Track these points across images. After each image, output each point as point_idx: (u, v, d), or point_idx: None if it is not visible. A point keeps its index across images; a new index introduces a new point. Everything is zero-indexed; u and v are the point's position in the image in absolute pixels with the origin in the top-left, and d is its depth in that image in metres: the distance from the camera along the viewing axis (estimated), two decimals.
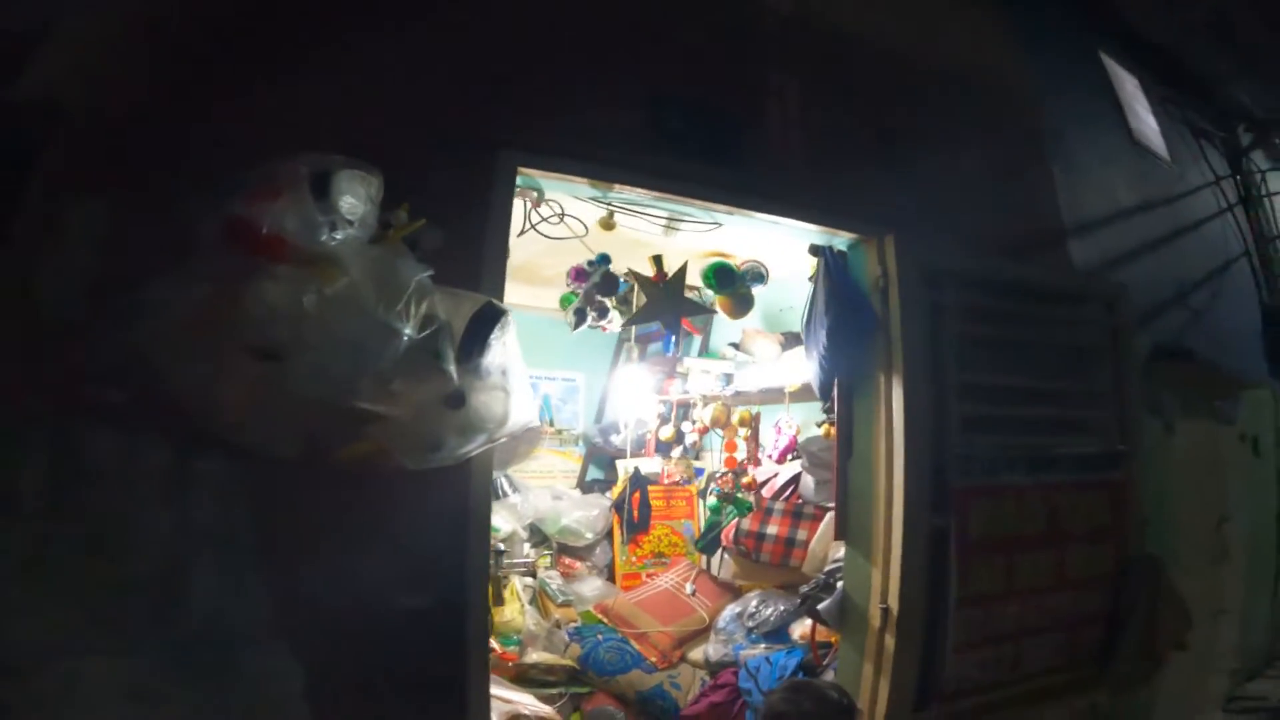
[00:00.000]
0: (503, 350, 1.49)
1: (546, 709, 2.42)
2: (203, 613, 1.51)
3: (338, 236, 1.32)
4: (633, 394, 3.67)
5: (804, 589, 2.70)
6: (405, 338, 1.30)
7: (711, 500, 3.22)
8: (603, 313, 2.73)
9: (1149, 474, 3.03)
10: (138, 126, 1.54)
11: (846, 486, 2.50)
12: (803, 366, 2.84)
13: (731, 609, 3.23)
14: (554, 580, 3.38)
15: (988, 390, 2.55)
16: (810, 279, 2.63)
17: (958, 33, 3.12)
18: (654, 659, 3.21)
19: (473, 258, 1.79)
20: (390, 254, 1.42)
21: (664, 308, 2.56)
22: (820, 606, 2.51)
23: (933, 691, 2.41)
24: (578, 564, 3.53)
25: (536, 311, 3.61)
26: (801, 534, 3.04)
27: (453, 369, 1.35)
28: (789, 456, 2.98)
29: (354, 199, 1.35)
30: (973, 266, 2.68)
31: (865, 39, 2.69)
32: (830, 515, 2.93)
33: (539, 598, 3.36)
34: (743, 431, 3.11)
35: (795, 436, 2.95)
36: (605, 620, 3.31)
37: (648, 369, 3.67)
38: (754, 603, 3.15)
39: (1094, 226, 3.47)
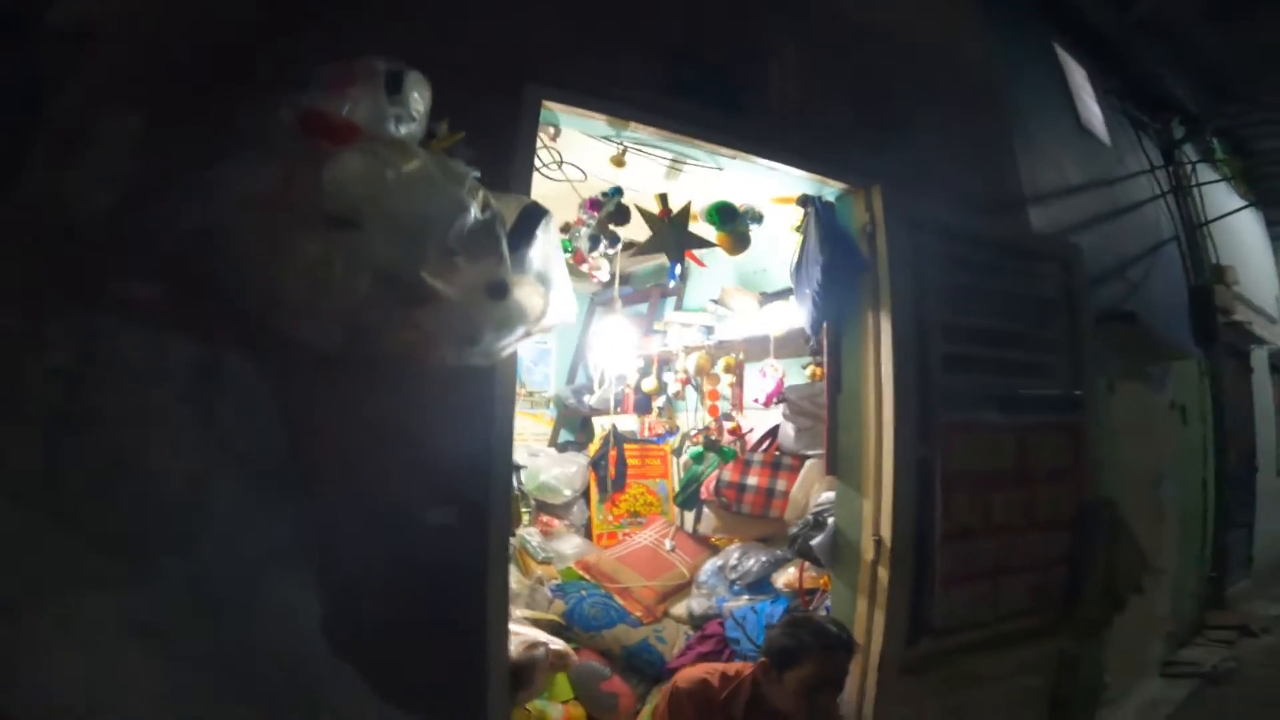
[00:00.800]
0: (544, 248, 1.49)
1: (561, 642, 2.41)
2: (221, 534, 1.43)
3: (404, 130, 1.33)
4: (612, 346, 3.67)
5: (793, 529, 2.75)
6: (472, 216, 1.30)
7: (694, 448, 3.24)
8: (614, 241, 2.76)
9: (1096, 426, 3.21)
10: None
11: (836, 422, 2.56)
12: (788, 315, 2.91)
13: (713, 563, 3.26)
14: (534, 537, 3.34)
15: (966, 331, 2.67)
16: (797, 228, 2.70)
17: (935, 13, 3.31)
18: (638, 614, 3.21)
19: (499, 182, 1.80)
20: (442, 155, 1.44)
21: (668, 240, 2.61)
22: (813, 543, 2.56)
23: (924, 626, 2.48)
24: (556, 522, 3.50)
25: None
26: (781, 484, 3.08)
27: (506, 253, 1.34)
28: (775, 400, 3.02)
29: (420, 98, 1.37)
30: (950, 219, 2.79)
31: (857, 16, 2.88)
32: (810, 463, 3.00)
33: (519, 555, 3.32)
34: (727, 378, 3.15)
35: (781, 379, 3.00)
36: (587, 577, 3.29)
37: (628, 321, 3.67)
38: (735, 556, 3.19)
39: (1047, 197, 3.67)
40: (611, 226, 2.68)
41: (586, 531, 3.63)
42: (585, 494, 3.67)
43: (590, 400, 3.91)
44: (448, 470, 1.63)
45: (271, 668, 1.44)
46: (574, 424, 4.10)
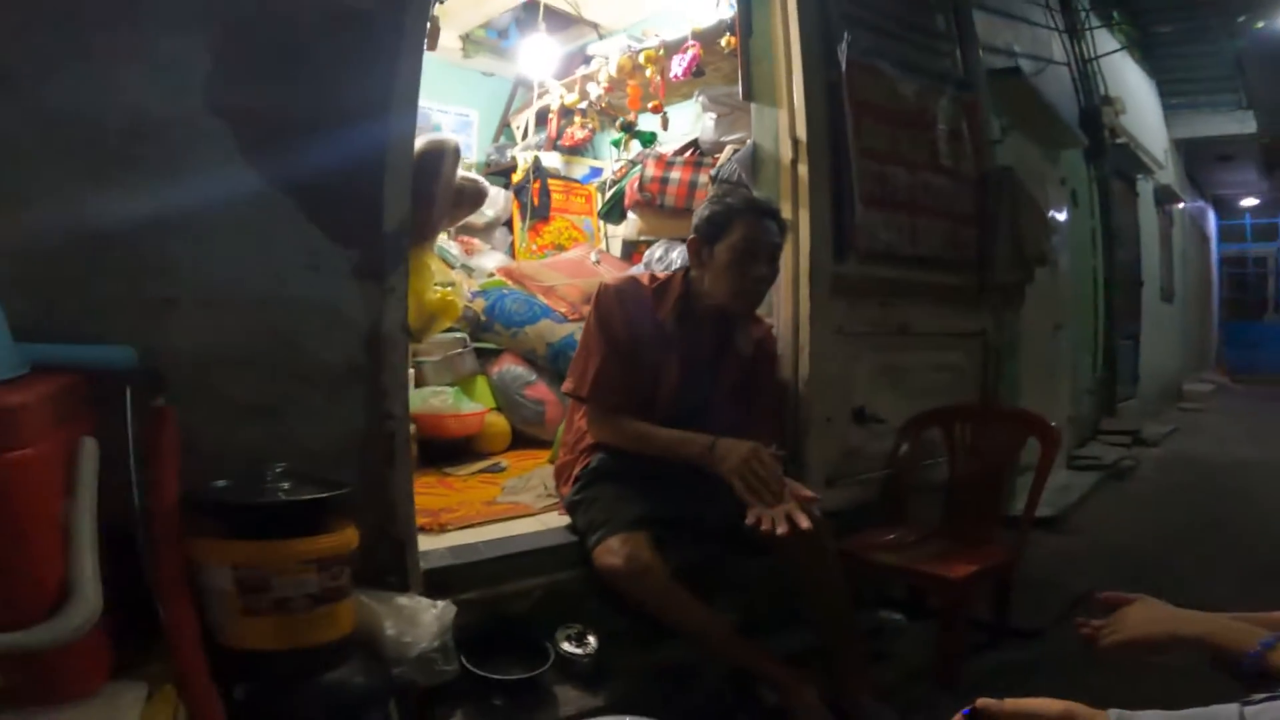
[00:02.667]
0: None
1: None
2: None
3: None
4: (539, 65, 3.59)
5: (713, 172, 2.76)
6: None
7: (615, 136, 3.20)
8: None
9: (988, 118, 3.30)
10: None
11: (749, 56, 2.57)
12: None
13: (639, 263, 3.24)
14: (453, 248, 3.24)
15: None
16: None
17: None
18: (564, 310, 3.16)
19: None
20: None
21: None
22: (735, 156, 2.57)
23: (849, 242, 2.53)
24: (476, 241, 3.40)
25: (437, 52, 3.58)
26: (702, 177, 3.09)
27: None
28: (692, 72, 3.00)
29: None
30: None
31: None
32: (729, 148, 3.00)
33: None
34: (649, 70, 3.12)
35: (697, 54, 2.98)
36: (509, 282, 3.22)
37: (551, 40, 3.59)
38: (659, 251, 3.18)
39: None
40: None
41: (511, 258, 3.54)
42: (509, 223, 3.59)
43: (513, 151, 3.83)
44: None
45: None
46: (501, 182, 4.03)
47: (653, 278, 2.15)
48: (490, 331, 3.13)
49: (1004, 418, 2.62)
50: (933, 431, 2.58)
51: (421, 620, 1.45)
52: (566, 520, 2.03)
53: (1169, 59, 8.06)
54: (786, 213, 2.43)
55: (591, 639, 1.74)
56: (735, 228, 1.93)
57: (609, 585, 1.77)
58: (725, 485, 1.73)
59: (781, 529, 1.59)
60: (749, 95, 2.57)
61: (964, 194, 2.97)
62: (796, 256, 2.43)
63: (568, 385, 2.01)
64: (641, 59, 3.10)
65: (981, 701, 0.81)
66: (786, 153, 2.44)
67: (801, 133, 2.42)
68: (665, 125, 3.20)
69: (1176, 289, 8.94)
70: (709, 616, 1.76)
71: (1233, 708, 0.75)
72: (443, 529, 2.00)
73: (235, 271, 1.37)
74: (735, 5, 2.65)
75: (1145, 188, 6.93)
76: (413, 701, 1.45)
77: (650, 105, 3.13)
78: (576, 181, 3.77)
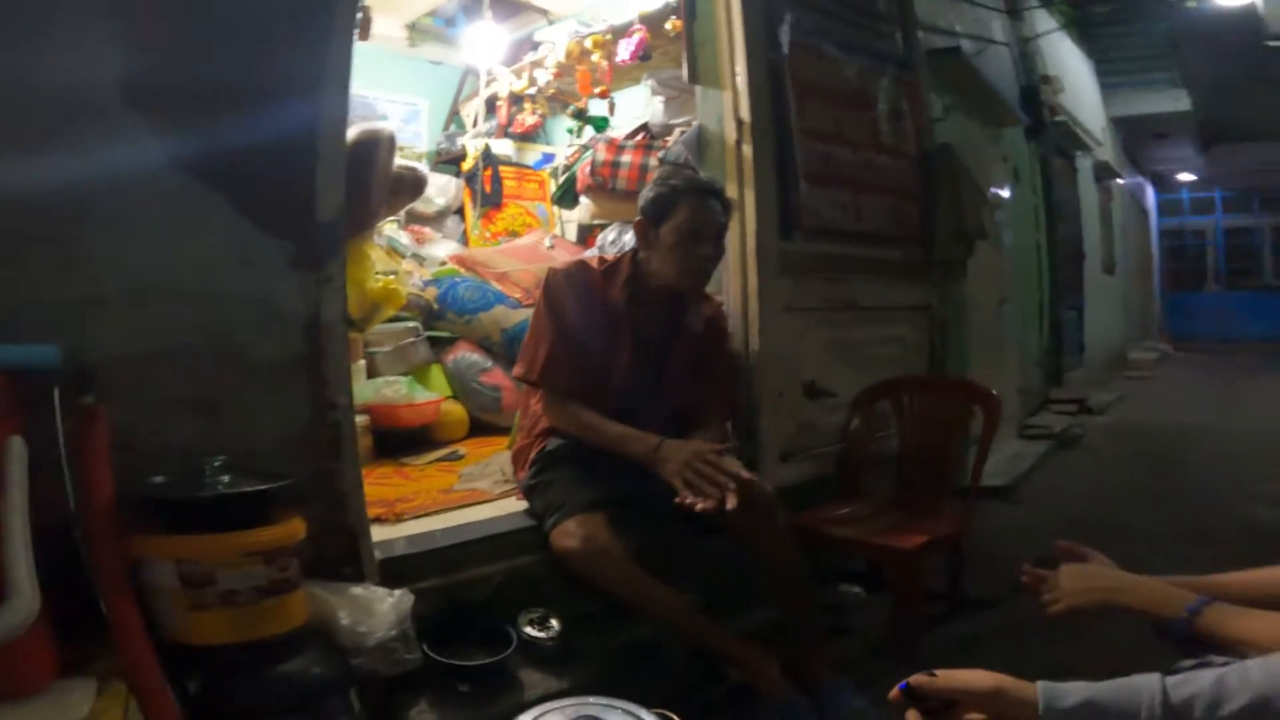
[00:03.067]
0: None
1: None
2: None
3: None
4: (486, 52, 3.55)
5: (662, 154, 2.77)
6: None
7: (567, 123, 3.19)
8: None
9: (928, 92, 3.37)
10: None
11: (693, 39, 2.58)
12: None
13: (594, 247, 3.24)
14: (404, 238, 3.20)
15: None
16: None
17: None
18: (518, 295, 3.14)
19: None
20: None
21: None
22: (681, 138, 2.59)
23: (795, 220, 2.56)
24: (427, 230, 3.36)
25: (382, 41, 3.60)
26: (654, 161, 3.08)
27: None
28: (640, 56, 3.00)
29: None
30: None
31: None
32: (678, 130, 3.00)
33: (388, 257, 3.16)
34: (596, 56, 3.11)
35: (644, 39, 2.98)
36: (461, 270, 3.19)
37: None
38: (613, 234, 3.18)
39: None
40: None
41: (464, 245, 3.51)
42: (460, 211, 3.56)
43: (464, 139, 3.78)
44: None
45: None
46: (452, 171, 3.98)
47: (601, 260, 2.17)
48: (444, 319, 3.11)
49: (948, 388, 2.69)
50: (883, 404, 2.64)
51: (378, 610, 1.45)
52: (525, 505, 2.04)
53: (1106, 38, 8.29)
54: (732, 192, 2.46)
55: (554, 623, 1.75)
56: (680, 209, 1.95)
57: (568, 568, 1.78)
58: None
59: (701, 505, 1.62)
60: (694, 78, 2.58)
61: (906, 171, 3.03)
62: (743, 235, 2.46)
63: (518, 370, 2.01)
64: (589, 44, 3.09)
65: (915, 678, 0.83)
66: (731, 134, 2.46)
67: (746, 114, 2.44)
68: (612, 110, 3.21)
69: (1118, 262, 9.24)
70: (669, 596, 1.78)
71: (1155, 677, 0.76)
72: (399, 519, 1.99)
73: (163, 266, 1.33)
74: None
75: (1085, 164, 7.14)
76: (376, 692, 1.45)
77: (598, 91, 3.13)
78: (529, 168, 3.75)
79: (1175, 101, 9.12)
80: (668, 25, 2.92)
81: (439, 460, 2.74)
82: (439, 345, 3.10)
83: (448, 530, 1.89)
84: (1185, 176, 14.08)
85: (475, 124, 3.90)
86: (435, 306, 3.04)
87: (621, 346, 2.00)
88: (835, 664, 1.86)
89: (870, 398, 2.64)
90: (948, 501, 2.40)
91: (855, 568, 2.49)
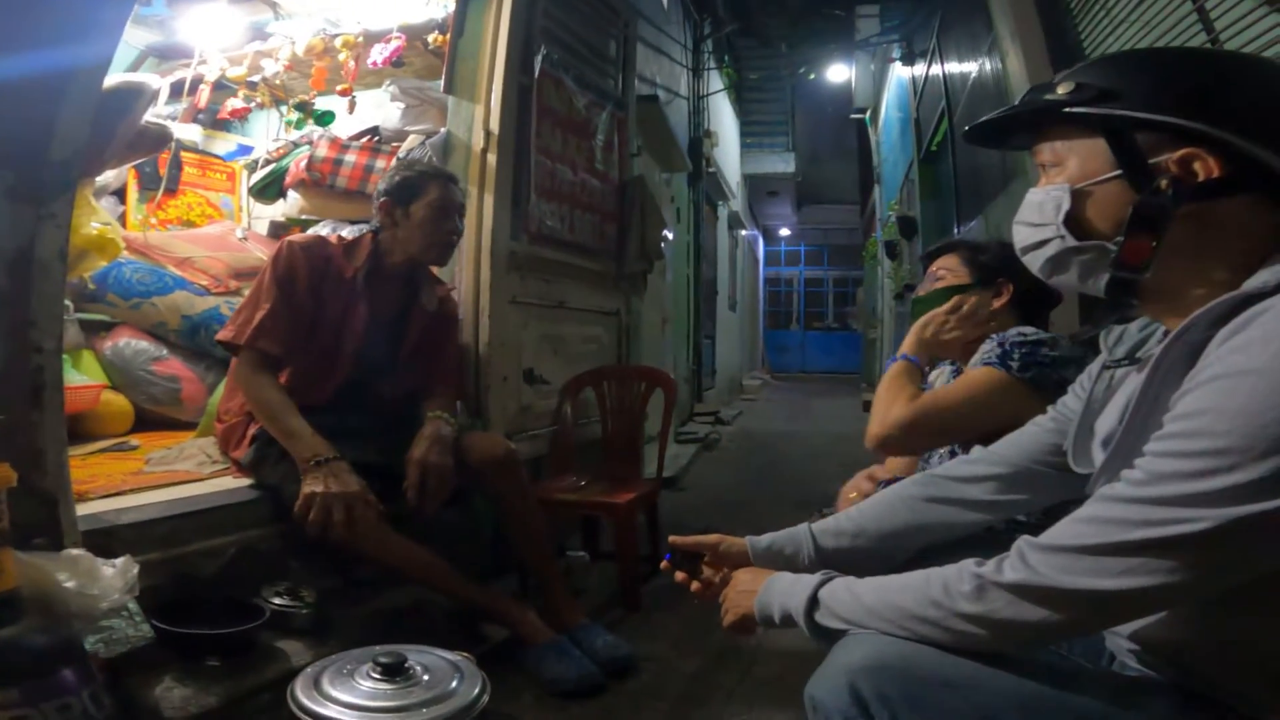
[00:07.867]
0: None
1: None
2: None
3: None
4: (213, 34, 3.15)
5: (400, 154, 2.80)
6: None
7: (291, 116, 3.02)
8: None
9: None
10: None
11: (456, 53, 2.72)
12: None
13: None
14: None
15: (562, 26, 3.08)
16: None
17: None
18: (205, 283, 2.85)
19: None
20: None
21: None
22: (429, 141, 2.68)
23: (524, 224, 2.80)
24: None
25: None
26: (380, 163, 3.03)
27: None
28: (393, 62, 2.95)
29: None
30: None
31: None
32: (412, 136, 3.04)
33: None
34: (344, 55, 2.98)
35: (401, 45, 2.94)
36: (127, 252, 2.77)
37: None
38: (326, 229, 3.06)
39: None
40: None
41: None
42: (120, 193, 3.08)
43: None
44: None
45: None
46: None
47: (340, 239, 2.21)
48: (101, 302, 2.69)
49: (636, 374, 3.14)
50: (587, 392, 2.99)
51: (101, 575, 1.28)
52: (247, 482, 1.92)
53: (751, 102, 10.13)
54: (474, 194, 2.64)
55: (305, 594, 1.69)
56: (431, 189, 2.11)
57: (319, 538, 1.72)
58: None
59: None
60: (450, 89, 2.72)
61: (609, 195, 3.48)
62: (480, 233, 2.63)
63: (225, 334, 1.97)
64: (339, 43, 2.96)
65: (672, 538, 1.15)
66: (479, 142, 2.65)
67: (495, 126, 2.66)
68: (352, 109, 3.09)
69: (739, 301, 11.19)
70: (427, 557, 1.84)
71: (804, 528, 1.11)
72: (82, 498, 1.71)
73: None
74: (452, 6, 2.78)
75: (723, 213, 8.60)
76: (106, 669, 1.28)
77: (338, 89, 3.00)
78: (217, 157, 3.37)
79: (785, 164, 11.38)
80: (429, 38, 2.96)
81: (108, 450, 2.35)
82: (90, 330, 2.68)
83: (165, 503, 1.71)
84: (784, 231, 17.59)
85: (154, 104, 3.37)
86: (91, 287, 2.62)
87: (357, 318, 2.06)
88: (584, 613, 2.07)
89: (577, 385, 2.98)
90: (639, 473, 2.89)
91: (574, 540, 2.83)
